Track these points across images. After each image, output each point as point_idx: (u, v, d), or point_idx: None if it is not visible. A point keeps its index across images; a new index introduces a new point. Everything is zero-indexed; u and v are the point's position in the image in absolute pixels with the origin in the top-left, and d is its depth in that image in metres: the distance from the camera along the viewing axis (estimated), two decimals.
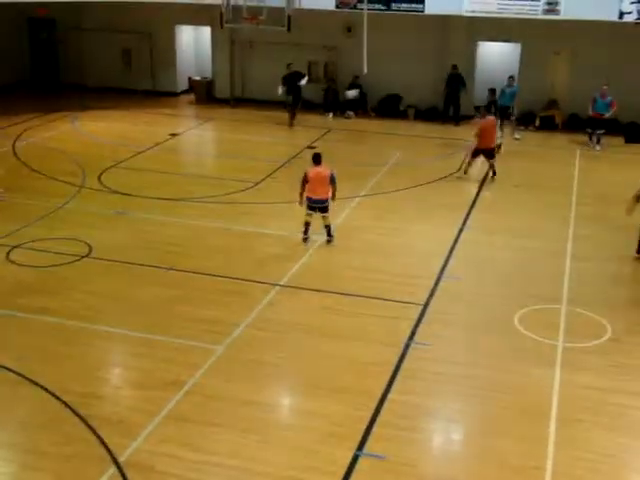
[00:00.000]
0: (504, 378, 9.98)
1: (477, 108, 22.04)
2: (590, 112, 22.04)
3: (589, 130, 22.13)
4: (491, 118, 19.00)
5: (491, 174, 18.47)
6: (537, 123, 23.68)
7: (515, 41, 24.40)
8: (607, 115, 21.78)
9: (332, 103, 25.34)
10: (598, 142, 21.84)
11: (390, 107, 25.47)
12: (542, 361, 10.38)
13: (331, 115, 25.00)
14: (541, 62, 23.90)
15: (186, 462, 8.22)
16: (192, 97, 27.30)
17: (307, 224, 14.05)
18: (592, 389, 9.74)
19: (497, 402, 9.49)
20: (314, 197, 13.87)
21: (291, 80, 24.01)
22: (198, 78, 27.46)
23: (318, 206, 13.90)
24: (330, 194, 13.92)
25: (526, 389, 9.75)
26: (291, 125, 23.72)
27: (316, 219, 14.09)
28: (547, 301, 12.15)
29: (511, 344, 10.85)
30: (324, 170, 13.86)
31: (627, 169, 19.60)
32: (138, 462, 8.17)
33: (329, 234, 14.13)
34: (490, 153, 18.43)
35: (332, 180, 13.83)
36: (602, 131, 21.93)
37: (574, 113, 23.64)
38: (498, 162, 18.57)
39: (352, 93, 24.90)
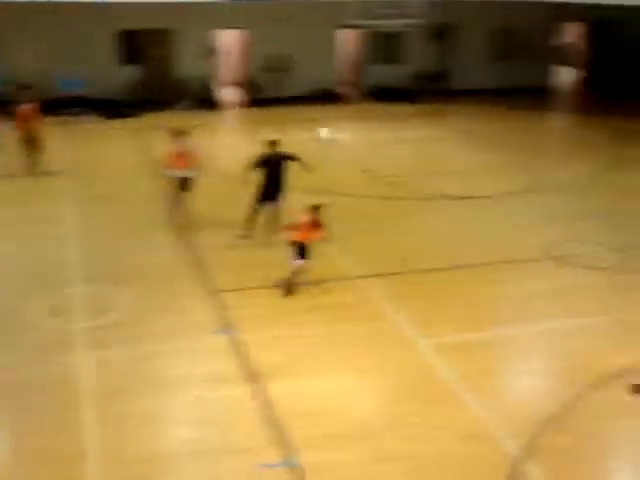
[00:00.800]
0: (34, 373, 9.42)
1: None
2: (60, 92, 22.67)
3: (70, 110, 22.62)
4: (26, 106, 17.53)
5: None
6: None
7: None
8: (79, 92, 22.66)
9: None
10: (79, 120, 22.46)
11: None
12: (67, 346, 9.98)
13: None
14: None
15: None
16: None
17: None
18: (126, 359, 9.69)
19: (31, 399, 8.89)
20: None
21: None
22: None
23: None
24: None
25: (60, 378, 9.25)
26: None
27: None
28: (68, 286, 11.79)
29: (34, 336, 10.25)
30: None
31: (112, 144, 20.70)
32: None
33: None
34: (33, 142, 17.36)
35: None
36: (78, 109, 22.73)
37: (53, 97, 22.77)
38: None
39: (325, 132, 21.42)
